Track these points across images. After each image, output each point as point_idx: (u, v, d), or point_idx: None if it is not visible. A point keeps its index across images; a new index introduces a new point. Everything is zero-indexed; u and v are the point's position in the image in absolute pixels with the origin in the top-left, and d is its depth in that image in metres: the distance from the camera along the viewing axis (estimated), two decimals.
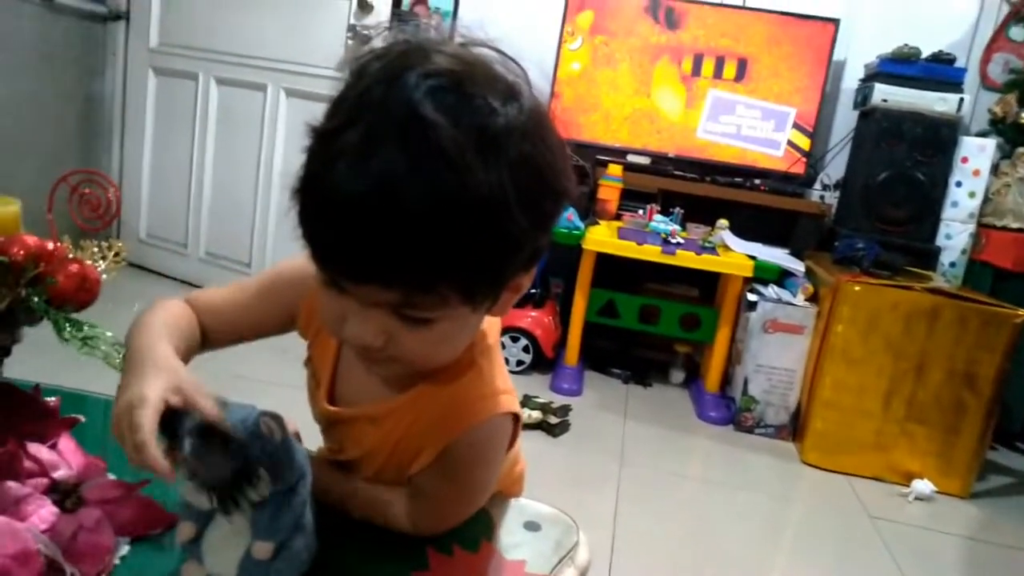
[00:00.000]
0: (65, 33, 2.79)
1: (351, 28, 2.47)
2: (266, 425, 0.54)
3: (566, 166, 0.54)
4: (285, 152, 2.69)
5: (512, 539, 0.71)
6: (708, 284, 2.67)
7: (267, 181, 2.74)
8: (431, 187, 0.46)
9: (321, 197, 0.49)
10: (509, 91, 0.51)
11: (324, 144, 0.50)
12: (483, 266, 0.50)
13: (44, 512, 0.53)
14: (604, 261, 2.43)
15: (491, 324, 0.67)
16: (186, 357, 0.61)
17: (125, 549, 0.57)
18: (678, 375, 2.69)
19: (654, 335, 2.62)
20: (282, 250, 2.74)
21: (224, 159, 2.84)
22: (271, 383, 1.76)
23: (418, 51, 0.50)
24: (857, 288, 2.11)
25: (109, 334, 0.56)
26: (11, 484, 0.55)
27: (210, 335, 0.68)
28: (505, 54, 0.53)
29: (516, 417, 0.65)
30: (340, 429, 0.68)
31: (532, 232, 0.51)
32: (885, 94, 2.44)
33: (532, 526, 0.74)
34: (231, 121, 2.80)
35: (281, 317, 0.70)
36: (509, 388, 0.65)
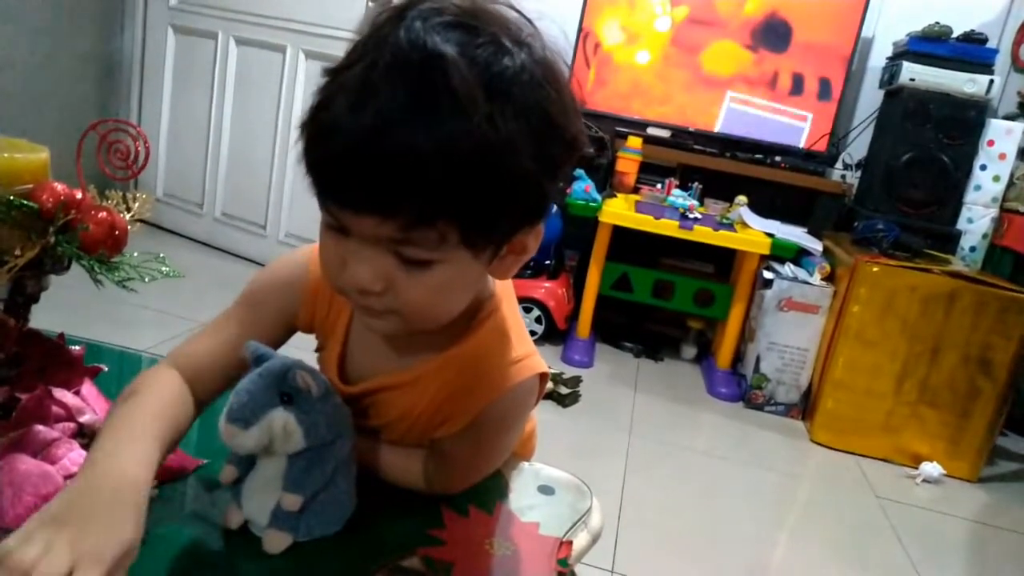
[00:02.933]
0: None
1: None
2: (302, 380, 0.55)
3: (577, 118, 0.53)
4: (303, 115, 2.67)
5: (526, 501, 0.71)
6: (723, 260, 2.65)
7: (284, 143, 2.73)
8: (432, 121, 0.45)
9: (322, 127, 0.49)
10: (520, 37, 0.50)
11: (330, 79, 0.50)
12: (484, 204, 0.48)
13: (74, 455, 0.54)
14: (620, 234, 2.42)
15: (507, 286, 0.66)
16: (173, 446, 0.57)
17: (152, 493, 0.58)
18: (690, 350, 2.69)
19: (667, 310, 2.62)
20: (298, 213, 2.75)
21: (241, 120, 2.84)
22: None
23: None
24: (875, 269, 2.09)
25: (135, 254, 0.56)
26: (40, 428, 0.56)
27: (207, 395, 0.63)
28: (521, 13, 0.52)
29: (543, 376, 0.65)
30: (360, 404, 0.68)
31: (537, 176, 0.50)
32: (913, 73, 2.39)
33: (546, 490, 0.75)
34: (249, 82, 2.79)
35: (276, 330, 0.67)
36: (533, 348, 0.65)
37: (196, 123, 2.91)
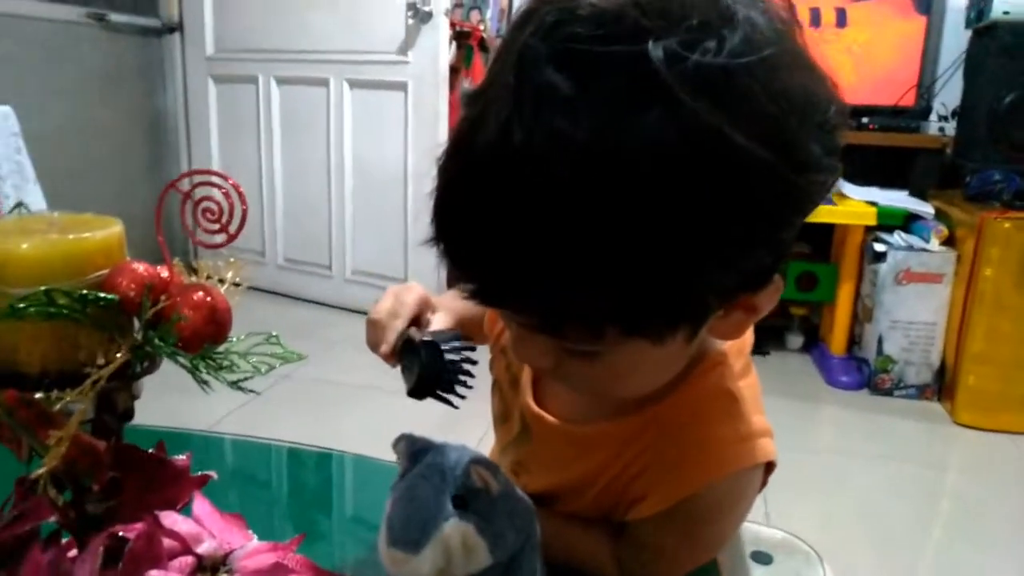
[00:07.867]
0: (122, 51, 2.76)
1: (411, 6, 2.33)
2: (478, 475, 0.41)
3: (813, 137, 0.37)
4: (354, 145, 2.59)
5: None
6: (821, 238, 2.45)
7: (339, 177, 2.65)
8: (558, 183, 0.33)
9: (456, 167, 0.38)
10: (713, 21, 0.34)
11: (460, 122, 0.39)
12: (649, 292, 0.35)
13: None
14: None
15: (740, 340, 0.51)
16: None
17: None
18: (796, 340, 2.51)
19: None
20: (363, 247, 2.66)
21: (293, 160, 2.77)
22: (367, 387, 1.67)
23: None
24: (1007, 225, 1.88)
25: (241, 337, 0.43)
26: (155, 573, 0.44)
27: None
28: None
29: (769, 466, 0.50)
30: (533, 441, 0.56)
31: (744, 236, 0.35)
32: (1007, 5, 2.17)
33: (762, 557, 0.60)
34: (296, 120, 2.72)
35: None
36: (767, 427, 0.49)
37: (248, 169, 2.85)
